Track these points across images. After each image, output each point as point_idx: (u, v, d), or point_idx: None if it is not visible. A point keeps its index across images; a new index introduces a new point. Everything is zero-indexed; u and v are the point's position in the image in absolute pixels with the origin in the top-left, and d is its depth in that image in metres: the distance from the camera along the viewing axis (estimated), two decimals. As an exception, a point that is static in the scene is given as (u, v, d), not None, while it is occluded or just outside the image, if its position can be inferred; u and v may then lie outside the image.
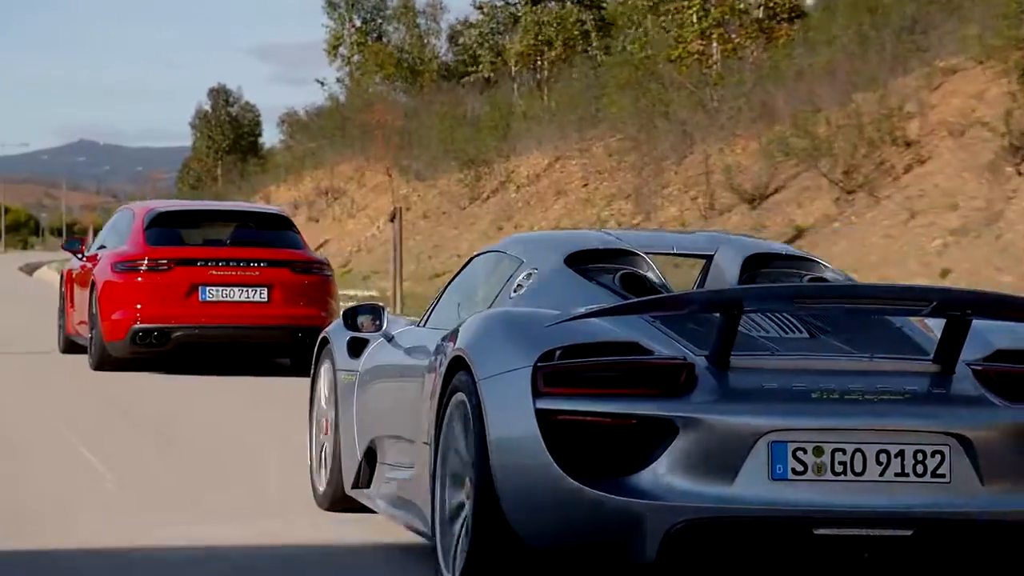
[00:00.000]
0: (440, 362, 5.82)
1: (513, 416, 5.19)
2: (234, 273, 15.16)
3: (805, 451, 5.11)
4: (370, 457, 6.97)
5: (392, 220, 22.96)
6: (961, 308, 5.25)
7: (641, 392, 5.14)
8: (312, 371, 7.87)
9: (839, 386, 5.22)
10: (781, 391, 5.19)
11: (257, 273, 15.20)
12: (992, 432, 5.23)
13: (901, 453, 5.14)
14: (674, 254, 6.84)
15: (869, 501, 5.10)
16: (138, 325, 14.90)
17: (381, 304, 7.29)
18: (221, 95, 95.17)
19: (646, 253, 6.29)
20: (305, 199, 56.25)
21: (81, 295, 16.22)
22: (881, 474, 5.14)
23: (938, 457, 5.17)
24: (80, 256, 17.16)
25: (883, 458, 5.13)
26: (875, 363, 5.39)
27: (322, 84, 65.44)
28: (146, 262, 15.20)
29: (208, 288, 15.09)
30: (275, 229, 16.25)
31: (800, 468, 5.11)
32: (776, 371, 5.28)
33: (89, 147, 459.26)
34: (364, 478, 7.03)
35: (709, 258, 6.55)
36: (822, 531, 5.07)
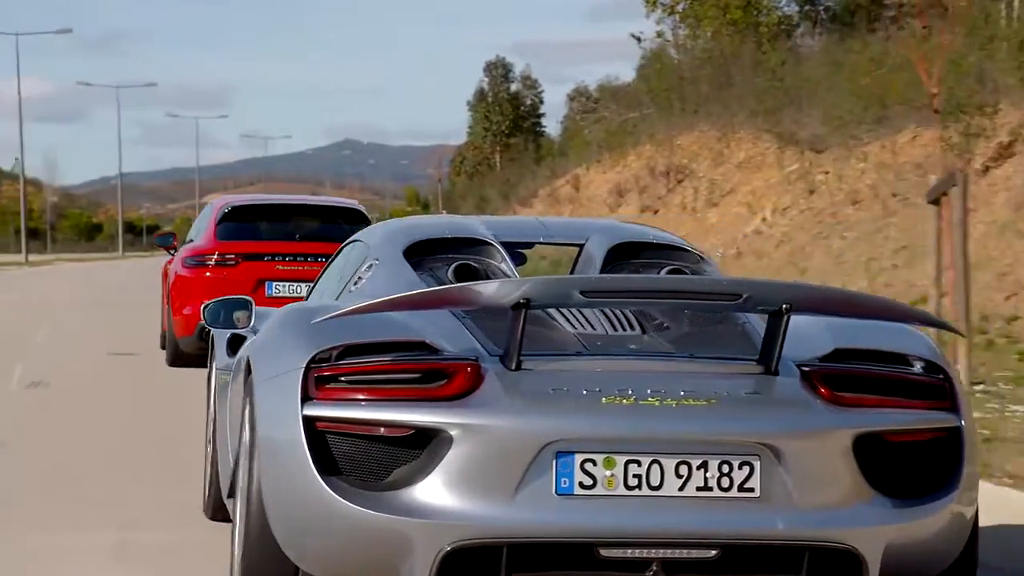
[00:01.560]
0: (242, 362, 5.41)
1: (281, 424, 4.66)
2: (300, 268, 14.45)
3: (594, 463, 4.52)
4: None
5: (938, 203, 12.91)
6: (778, 303, 4.62)
7: (417, 397, 4.59)
8: (207, 371, 7.31)
9: (637, 390, 4.59)
10: (570, 395, 4.57)
11: None
12: (808, 441, 4.62)
13: (704, 465, 4.55)
14: (541, 243, 6.21)
15: (667, 519, 4.53)
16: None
17: (250, 299, 6.54)
18: (499, 70, 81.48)
19: (508, 243, 5.81)
20: (634, 182, 40.86)
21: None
22: (681, 488, 4.54)
23: (746, 469, 4.56)
24: (173, 251, 16.68)
25: (684, 470, 4.54)
26: (690, 364, 4.77)
27: (639, 40, 49.88)
28: (215, 257, 14.76)
29: (274, 284, 14.54)
30: (346, 223, 14.94)
31: (588, 482, 4.53)
32: (570, 373, 4.66)
33: (353, 146, 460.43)
34: (233, 486, 5.74)
35: (580, 247, 5.98)
36: (611, 553, 4.50)
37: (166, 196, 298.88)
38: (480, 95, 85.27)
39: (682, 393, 4.62)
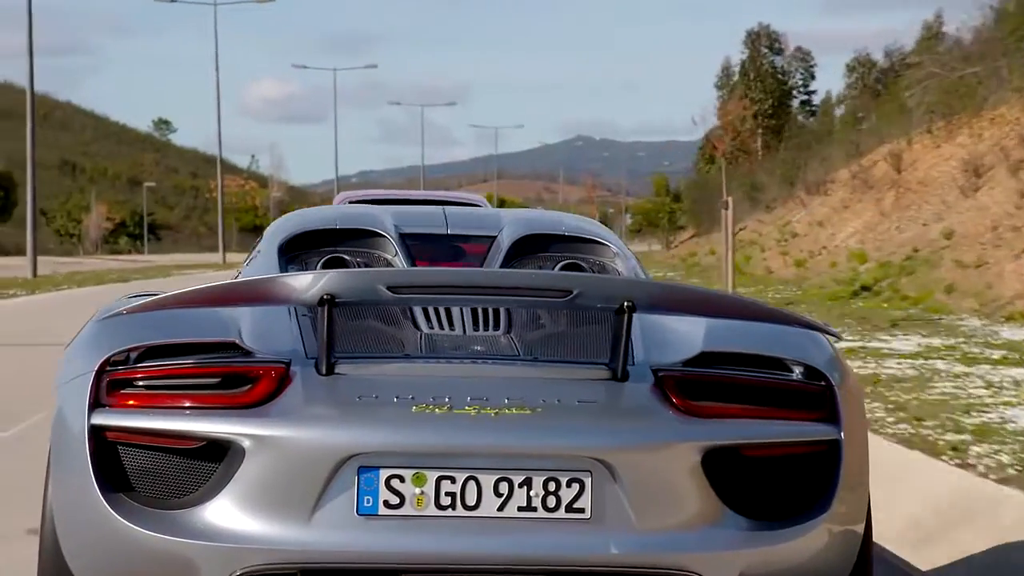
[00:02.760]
0: None
1: (69, 433, 4.10)
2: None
3: (402, 479, 3.94)
4: None
5: None
6: (616, 300, 4.06)
7: (215, 404, 3.99)
8: None
9: (455, 397, 4.00)
10: (378, 403, 3.98)
11: None
12: (648, 455, 4.01)
13: (528, 482, 3.96)
14: (449, 235, 5.46)
15: (484, 543, 3.95)
16: None
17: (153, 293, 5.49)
18: (762, 40, 69.00)
19: (413, 234, 5.35)
20: (1000, 156, 28.04)
21: None
22: (500, 508, 3.95)
23: (575, 487, 3.97)
24: None
25: (504, 488, 3.95)
26: (524, 369, 4.14)
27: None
28: None
29: None
30: None
31: (395, 501, 3.94)
32: (384, 379, 4.07)
33: (585, 142, 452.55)
34: None
35: (492, 239, 5.44)
36: None
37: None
38: (726, 73, 73.00)
39: (506, 401, 3.99)
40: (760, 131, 67.82)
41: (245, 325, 4.21)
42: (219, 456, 3.97)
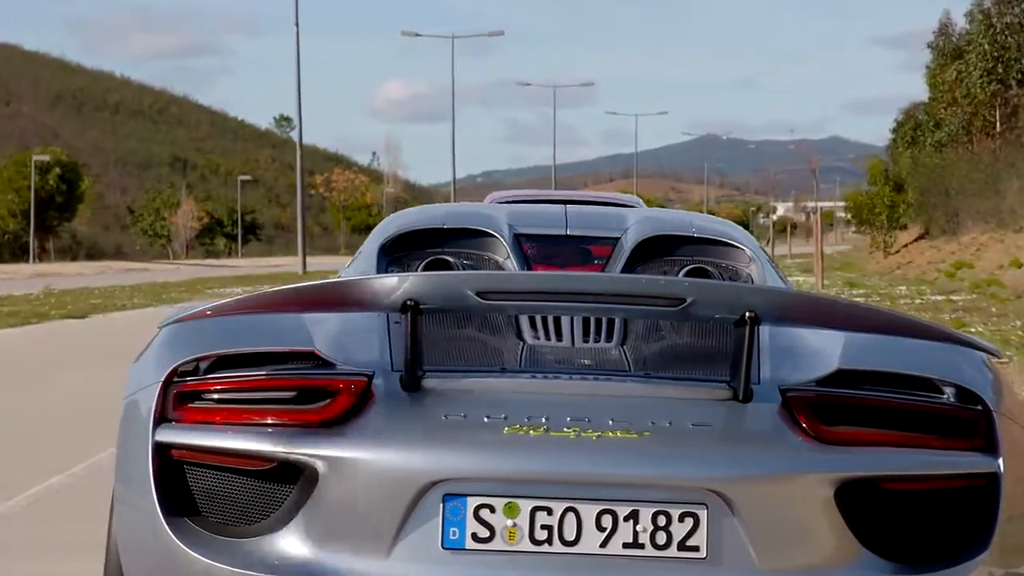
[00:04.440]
0: None
1: (133, 450, 3.61)
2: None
3: (492, 510, 3.39)
4: None
5: None
6: (737, 310, 3.48)
7: (295, 421, 3.46)
8: None
9: (553, 417, 3.43)
10: (466, 423, 3.43)
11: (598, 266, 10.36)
12: (772, 487, 3.41)
13: (634, 515, 3.39)
14: (567, 236, 4.90)
15: None
16: None
17: None
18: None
19: (530, 235, 4.82)
20: None
21: None
22: (603, 544, 3.39)
23: (689, 522, 3.41)
24: None
25: (607, 522, 3.39)
26: (634, 387, 3.54)
27: None
28: None
29: None
30: None
31: (484, 534, 3.39)
32: (475, 395, 3.49)
33: (712, 142, 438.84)
34: None
35: (615, 241, 4.89)
36: None
37: None
38: (944, 32, 55.53)
39: (610, 423, 3.44)
40: (1000, 104, 50.31)
41: (326, 332, 3.65)
42: (292, 479, 3.44)
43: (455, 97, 70.24)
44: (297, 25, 47.71)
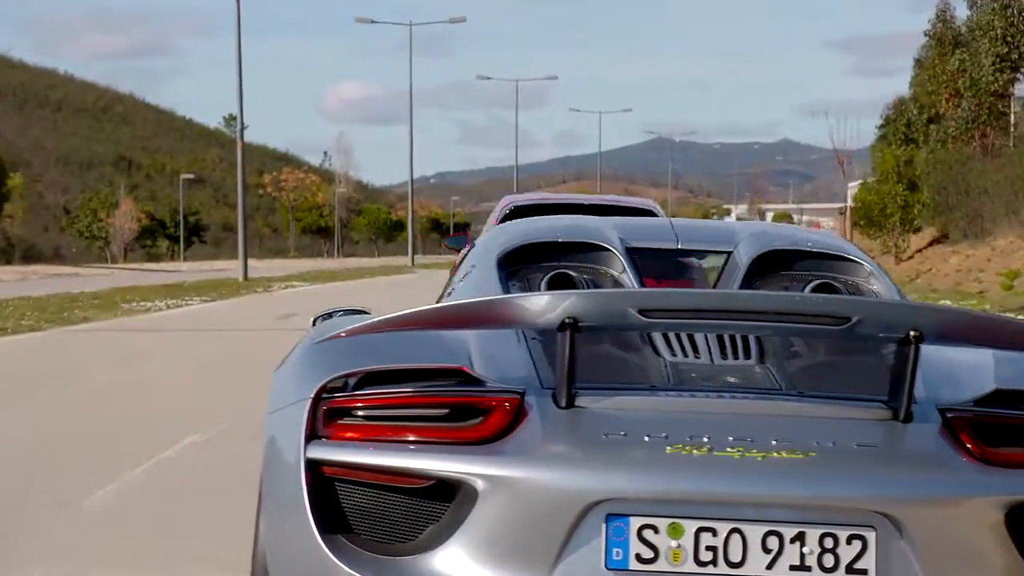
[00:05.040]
0: None
1: (283, 467, 3.58)
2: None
3: (656, 530, 3.33)
4: None
5: None
6: (902, 329, 3.37)
7: (448, 439, 3.43)
8: None
9: (715, 437, 3.37)
10: (628, 442, 3.38)
11: None
12: (943, 510, 3.33)
13: (800, 537, 3.31)
14: (679, 250, 4.85)
15: None
16: None
17: (366, 309, 4.95)
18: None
19: (639, 248, 4.70)
20: None
21: None
22: (769, 567, 3.31)
23: (857, 545, 3.31)
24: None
25: (773, 543, 3.31)
26: (793, 405, 3.47)
27: None
28: None
29: None
30: None
31: (648, 554, 3.33)
32: (633, 414, 3.45)
33: (665, 144, 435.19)
34: None
35: (728, 255, 4.76)
36: None
37: (480, 195, 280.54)
38: (941, 19, 50.65)
39: (774, 443, 3.35)
40: (1014, 95, 45.12)
41: (473, 350, 3.63)
42: (448, 497, 3.41)
43: (411, 97, 64.61)
44: (239, 19, 42.18)
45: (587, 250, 4.64)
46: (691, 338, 3.87)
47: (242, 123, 44.79)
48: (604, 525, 3.31)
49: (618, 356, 3.77)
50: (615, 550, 3.31)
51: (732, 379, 3.67)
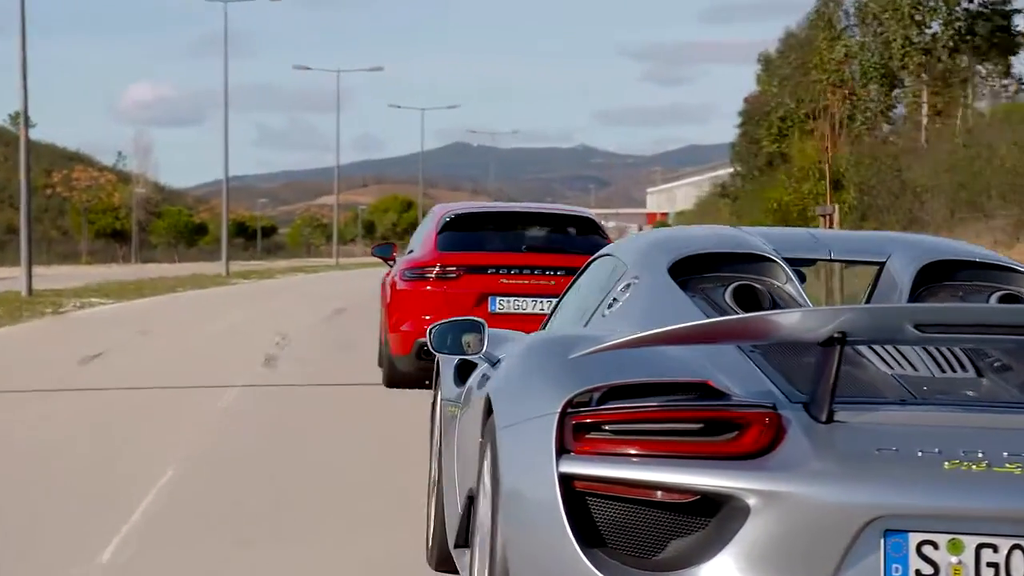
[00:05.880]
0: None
1: (531, 480, 3.50)
2: (527, 282, 12.39)
3: (936, 546, 3.26)
4: (472, 510, 4.89)
5: None
6: None
7: (703, 453, 3.35)
8: (432, 399, 6.11)
9: (989, 452, 3.31)
10: (901, 457, 3.32)
11: (552, 282, 12.26)
12: None
13: None
14: (831, 260, 4.73)
15: None
16: (424, 339, 10.08)
17: (481, 320, 5.13)
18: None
19: (790, 259, 4.52)
20: None
21: None
22: None
23: None
24: (392, 263, 14.50)
25: None
26: None
27: None
28: (435, 270, 12.60)
29: (498, 298, 12.41)
30: (578, 234, 13.12)
31: (929, 571, 3.27)
32: (896, 428, 3.40)
33: (464, 149, 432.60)
34: (464, 536, 4.82)
35: (880, 266, 4.61)
36: None
37: (278, 198, 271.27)
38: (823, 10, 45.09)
39: None
40: (927, 85, 39.09)
41: (713, 363, 3.60)
42: (710, 512, 3.34)
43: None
44: (23, 13, 34.13)
45: (749, 261, 4.47)
46: (899, 350, 3.75)
47: (26, 116, 36.55)
48: (882, 541, 3.25)
49: (847, 369, 3.58)
50: (894, 566, 3.25)
51: (971, 392, 3.60)
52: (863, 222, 35.20)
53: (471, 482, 4.60)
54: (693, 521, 3.35)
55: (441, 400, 5.63)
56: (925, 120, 40.13)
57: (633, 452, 3.37)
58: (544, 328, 5.26)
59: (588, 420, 3.43)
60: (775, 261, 4.46)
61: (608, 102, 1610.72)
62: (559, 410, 3.45)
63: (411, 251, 13.71)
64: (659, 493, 3.33)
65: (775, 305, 4.27)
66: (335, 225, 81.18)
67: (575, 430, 3.44)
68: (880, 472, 3.26)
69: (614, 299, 4.46)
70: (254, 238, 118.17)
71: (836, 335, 3.29)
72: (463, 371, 5.43)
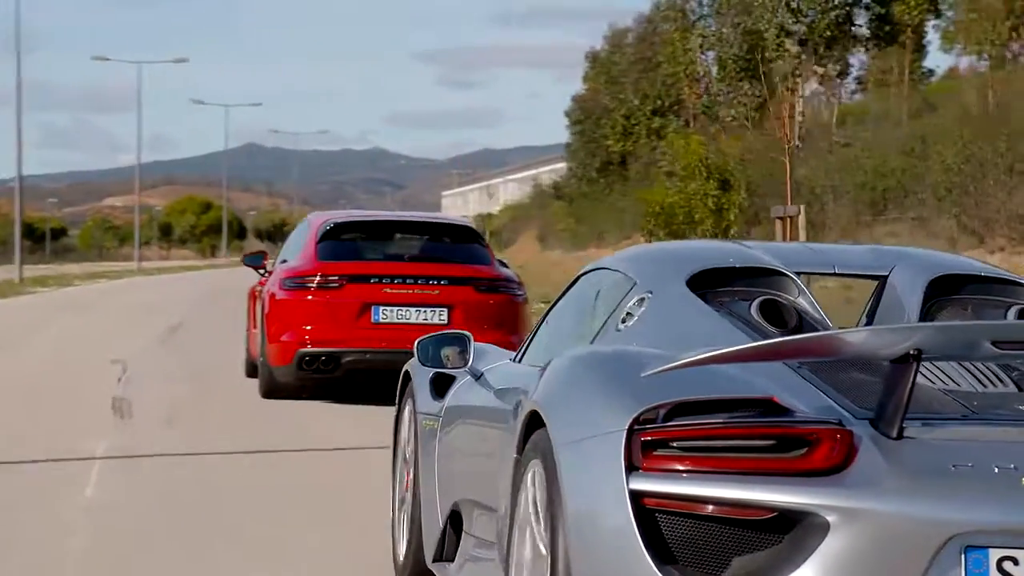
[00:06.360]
0: (517, 414, 4.12)
1: (599, 499, 3.47)
2: (411, 292, 12.15)
3: (1016, 562, 3.28)
4: (455, 524, 5.08)
5: None
6: None
7: (775, 469, 3.34)
8: (396, 411, 5.94)
9: None
10: (976, 473, 3.33)
11: (436, 292, 12.13)
12: None
13: None
14: (835, 275, 4.74)
15: None
16: (305, 349, 12.03)
17: (467, 333, 5.22)
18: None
19: (797, 273, 4.48)
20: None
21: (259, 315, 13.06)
22: None
23: None
24: (262, 272, 13.87)
25: None
26: None
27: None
28: (317, 279, 12.21)
29: (382, 308, 12.13)
30: (459, 242, 12.91)
31: None
32: (966, 444, 3.41)
33: (257, 150, 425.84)
34: (447, 549, 5.09)
35: (882, 280, 4.58)
36: None
37: (64, 199, 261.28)
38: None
39: None
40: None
41: (775, 380, 3.59)
42: (785, 529, 3.32)
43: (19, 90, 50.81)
44: None
45: (762, 275, 4.39)
46: (936, 364, 3.76)
47: None
48: (962, 557, 3.26)
49: (922, 381, 3.61)
50: None
51: (1021, 407, 3.62)
52: (755, 227, 31.71)
53: (455, 496, 4.91)
54: (767, 538, 3.32)
55: (419, 414, 5.47)
56: (801, 117, 37.25)
57: (703, 469, 3.33)
58: (529, 343, 5.06)
59: (656, 437, 3.41)
60: (787, 275, 4.38)
61: (401, 105, 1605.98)
62: (626, 427, 3.42)
63: (284, 260, 13.17)
64: (731, 510, 3.29)
65: (800, 320, 4.16)
66: (136, 227, 75.55)
67: (643, 447, 3.40)
68: (958, 488, 3.26)
69: (627, 313, 4.33)
70: (42, 240, 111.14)
71: (913, 352, 3.30)
72: (439, 384, 5.37)
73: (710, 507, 3.31)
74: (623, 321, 4.29)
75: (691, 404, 3.43)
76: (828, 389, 3.55)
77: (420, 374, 5.52)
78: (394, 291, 12.03)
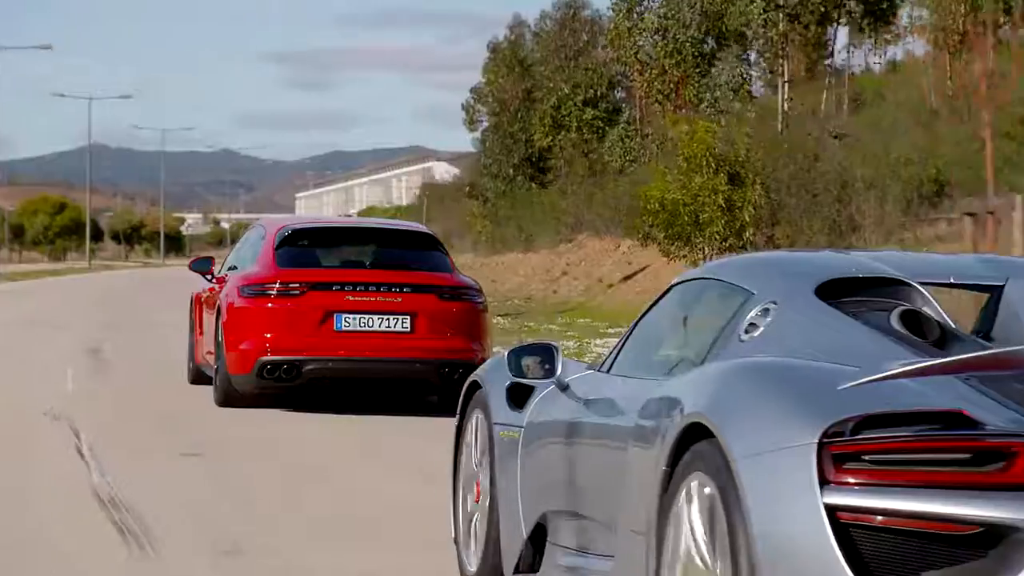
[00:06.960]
0: (664, 428, 3.99)
1: (790, 513, 3.42)
2: (373, 299, 11.97)
3: None
4: (538, 536, 5.12)
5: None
6: None
7: (971, 483, 3.33)
8: (458, 421, 5.85)
9: None
10: None
11: (399, 299, 11.98)
12: None
13: None
14: (951, 285, 4.63)
15: None
16: (266, 357, 11.80)
17: (555, 343, 5.15)
18: None
19: (918, 283, 4.41)
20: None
21: (209, 321, 12.81)
22: None
23: None
24: (209, 278, 13.53)
25: None
26: None
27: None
28: (276, 286, 11.96)
29: (344, 316, 11.92)
30: (420, 249, 12.80)
31: None
32: None
33: (101, 150, 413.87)
34: (528, 561, 5.13)
35: (997, 290, 4.50)
36: None
37: None
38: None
39: None
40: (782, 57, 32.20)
41: (938, 393, 3.53)
42: (991, 543, 3.29)
43: None
44: None
45: (887, 285, 4.35)
46: None
47: None
48: None
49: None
50: None
51: None
52: (775, 226, 27.34)
53: (544, 507, 4.95)
54: (969, 553, 3.29)
55: (491, 424, 5.41)
56: (786, 105, 33.50)
57: (898, 482, 3.32)
58: (617, 353, 4.98)
59: (848, 450, 3.37)
60: (912, 286, 4.35)
61: (249, 106, 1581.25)
62: (817, 440, 3.38)
63: (233, 267, 13.03)
64: (930, 525, 3.28)
65: (942, 330, 4.09)
66: (4, 231, 69.35)
67: (834, 460, 3.37)
68: None
69: (751, 324, 4.28)
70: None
71: None
72: (516, 395, 5.32)
73: (910, 521, 3.28)
74: (746, 331, 4.23)
75: (879, 417, 3.41)
76: (1008, 402, 3.49)
77: (494, 384, 5.41)
78: (357, 299, 11.85)
